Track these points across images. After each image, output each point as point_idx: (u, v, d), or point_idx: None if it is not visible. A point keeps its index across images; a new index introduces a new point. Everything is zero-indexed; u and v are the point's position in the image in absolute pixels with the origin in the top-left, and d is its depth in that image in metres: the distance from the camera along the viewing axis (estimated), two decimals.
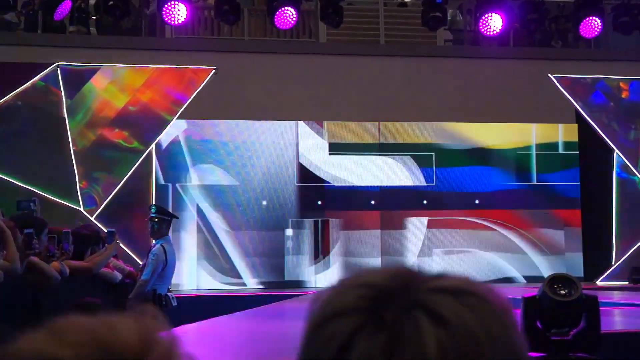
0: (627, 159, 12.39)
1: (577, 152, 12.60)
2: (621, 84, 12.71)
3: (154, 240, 7.51)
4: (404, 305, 0.70)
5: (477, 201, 12.30)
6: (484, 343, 0.69)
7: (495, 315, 0.72)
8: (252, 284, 11.63)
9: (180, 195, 11.58)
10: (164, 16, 10.68)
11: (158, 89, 11.51)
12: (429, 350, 0.67)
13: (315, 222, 11.90)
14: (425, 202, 12.20)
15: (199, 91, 11.57)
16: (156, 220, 7.30)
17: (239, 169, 11.78)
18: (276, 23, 10.96)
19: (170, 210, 9.08)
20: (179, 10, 10.58)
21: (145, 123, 11.40)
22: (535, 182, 12.52)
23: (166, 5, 10.55)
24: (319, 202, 11.97)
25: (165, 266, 7.17)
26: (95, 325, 0.74)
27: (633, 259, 12.21)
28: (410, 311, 0.70)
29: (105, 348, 0.71)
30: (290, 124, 12.04)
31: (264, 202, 11.78)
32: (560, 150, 12.62)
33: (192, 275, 11.53)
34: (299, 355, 0.76)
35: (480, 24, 11.23)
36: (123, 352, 0.71)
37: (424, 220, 12.15)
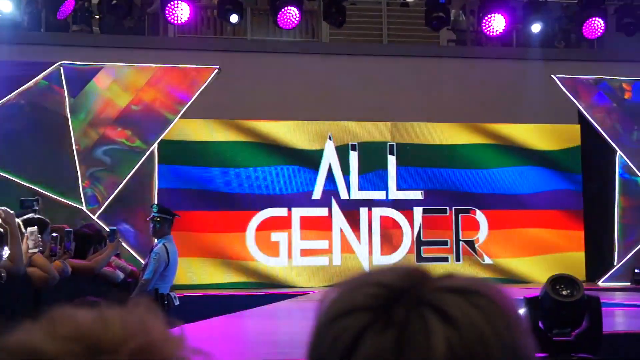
0: (629, 160, 12.38)
1: (579, 152, 12.62)
2: (624, 85, 12.69)
3: (156, 240, 7.52)
4: (413, 303, 0.71)
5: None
6: (491, 342, 0.70)
7: (504, 315, 0.72)
8: None
9: None
10: (167, 15, 10.69)
11: (161, 89, 11.51)
12: (438, 349, 0.68)
13: None
14: None
15: (201, 90, 11.57)
16: (158, 219, 7.30)
17: None
18: (279, 22, 10.96)
19: None
20: (181, 9, 10.59)
21: (148, 122, 11.40)
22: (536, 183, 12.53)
23: (169, 5, 10.56)
24: None
25: (167, 265, 7.17)
26: (88, 319, 0.73)
27: (635, 260, 12.20)
28: (419, 310, 0.70)
29: (95, 343, 0.71)
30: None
31: None
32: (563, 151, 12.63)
33: None
34: (307, 353, 0.76)
35: (483, 24, 11.23)
36: (110, 344, 0.71)
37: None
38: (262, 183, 11.87)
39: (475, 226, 12.29)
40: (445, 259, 12.11)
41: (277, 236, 11.80)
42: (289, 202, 11.88)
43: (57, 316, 0.74)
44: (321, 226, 11.93)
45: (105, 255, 6.69)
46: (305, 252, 11.86)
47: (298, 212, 11.88)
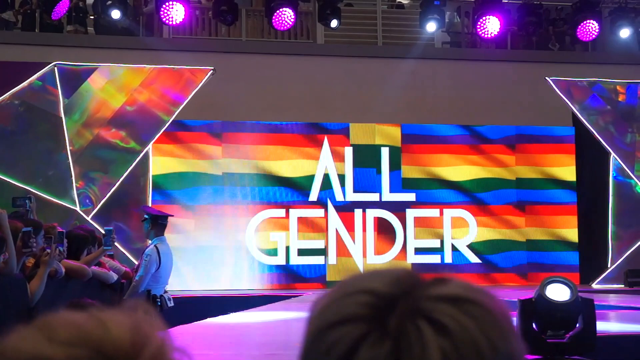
0: (623, 162, 12.40)
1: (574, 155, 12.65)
2: (618, 87, 12.72)
3: (149, 241, 7.50)
4: (407, 313, 0.71)
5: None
6: (485, 351, 0.70)
7: (496, 322, 0.73)
8: None
9: None
10: (162, 16, 10.68)
11: (155, 89, 11.50)
12: None
13: None
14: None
15: (196, 91, 11.56)
16: (144, 220, 7.30)
17: None
18: (274, 24, 10.96)
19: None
20: (176, 10, 10.58)
21: (142, 123, 11.38)
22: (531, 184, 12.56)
23: (164, 6, 10.54)
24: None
25: (159, 267, 7.15)
26: (86, 322, 0.73)
27: (629, 262, 12.23)
28: (413, 320, 0.70)
29: (97, 346, 0.70)
30: None
31: None
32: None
33: None
34: None
35: (478, 26, 11.24)
36: (114, 350, 0.70)
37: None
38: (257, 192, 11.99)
39: (466, 226, 12.34)
40: (437, 259, 12.20)
41: (276, 236, 11.90)
42: (287, 203, 11.97)
43: (55, 320, 0.73)
44: (317, 227, 12.03)
45: (91, 257, 6.67)
46: (302, 252, 11.96)
47: (295, 213, 11.98)
